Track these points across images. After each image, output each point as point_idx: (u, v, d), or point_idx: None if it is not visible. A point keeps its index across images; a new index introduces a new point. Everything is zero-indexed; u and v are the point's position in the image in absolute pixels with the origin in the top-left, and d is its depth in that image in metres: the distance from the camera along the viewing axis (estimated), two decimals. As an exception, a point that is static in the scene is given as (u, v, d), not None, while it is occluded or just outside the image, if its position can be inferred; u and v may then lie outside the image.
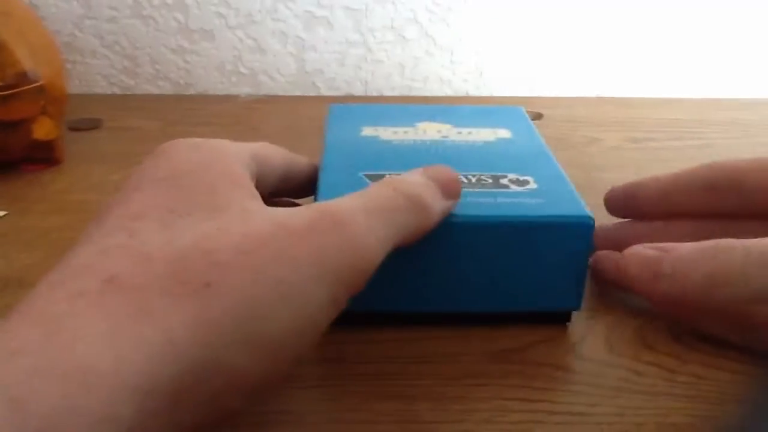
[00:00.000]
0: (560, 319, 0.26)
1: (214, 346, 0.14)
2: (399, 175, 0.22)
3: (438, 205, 0.21)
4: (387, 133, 0.30)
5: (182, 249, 0.15)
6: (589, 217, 0.24)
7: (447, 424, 0.21)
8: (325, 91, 0.58)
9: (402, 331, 0.25)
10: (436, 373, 0.23)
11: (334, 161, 0.27)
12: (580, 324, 0.26)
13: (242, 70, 0.57)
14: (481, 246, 0.24)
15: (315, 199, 0.25)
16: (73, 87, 0.56)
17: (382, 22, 0.56)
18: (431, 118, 0.32)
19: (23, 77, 0.37)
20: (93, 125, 0.48)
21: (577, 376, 0.23)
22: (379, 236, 0.18)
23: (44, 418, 0.12)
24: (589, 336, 0.25)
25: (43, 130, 0.39)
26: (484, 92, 0.59)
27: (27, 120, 0.38)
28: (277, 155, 0.24)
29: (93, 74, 0.57)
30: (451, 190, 0.22)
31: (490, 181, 0.25)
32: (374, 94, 0.58)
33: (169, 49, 0.56)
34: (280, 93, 0.58)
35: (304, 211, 0.18)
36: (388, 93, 0.58)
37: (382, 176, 0.25)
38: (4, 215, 0.35)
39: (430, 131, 0.31)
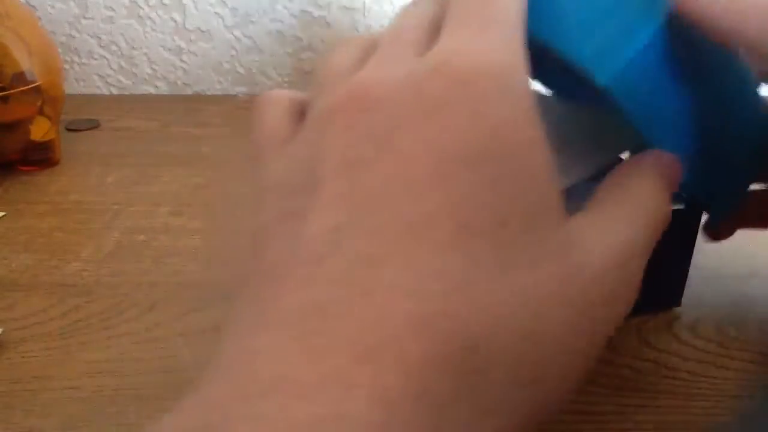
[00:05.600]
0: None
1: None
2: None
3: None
4: None
5: (522, 320, 0.12)
6: (701, 205, 0.22)
7: (448, 424, 0.21)
8: (322, 91, 0.58)
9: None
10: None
11: None
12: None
13: (239, 69, 0.57)
14: None
15: None
16: (71, 87, 0.56)
17: (380, 21, 0.56)
18: None
19: (20, 78, 0.37)
20: (90, 126, 0.48)
21: (578, 375, 0.23)
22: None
23: None
24: (589, 334, 0.25)
25: (40, 130, 0.39)
26: (482, 91, 0.59)
27: (24, 121, 0.38)
28: None
29: (90, 75, 0.57)
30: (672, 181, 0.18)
31: None
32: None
33: (166, 49, 0.56)
34: (278, 93, 0.58)
35: (613, 255, 0.15)
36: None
37: None
38: (2, 216, 0.35)
39: None
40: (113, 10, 0.54)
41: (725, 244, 0.32)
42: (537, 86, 0.32)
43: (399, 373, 0.11)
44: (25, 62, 0.37)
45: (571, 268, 0.13)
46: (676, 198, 0.25)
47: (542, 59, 0.17)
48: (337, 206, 0.13)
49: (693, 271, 0.27)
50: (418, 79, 0.14)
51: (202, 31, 0.55)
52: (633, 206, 0.16)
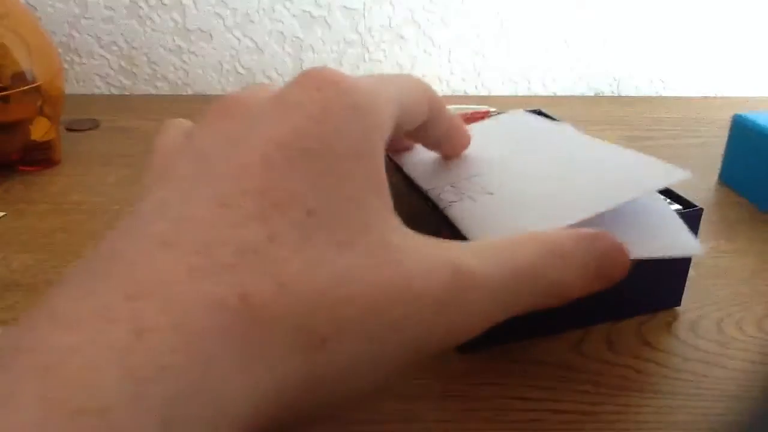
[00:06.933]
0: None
1: (313, 403, 0.14)
2: (555, 234, 0.18)
3: (582, 290, 0.18)
4: None
5: (314, 292, 0.14)
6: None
7: (449, 423, 0.21)
8: (322, 91, 0.58)
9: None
10: (437, 371, 0.23)
11: None
12: (580, 322, 0.26)
13: (240, 70, 0.57)
14: None
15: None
16: (71, 87, 0.56)
17: (380, 22, 0.56)
18: None
19: (20, 78, 0.37)
20: (90, 126, 0.48)
21: (579, 375, 0.23)
22: (507, 311, 0.16)
23: None
24: (590, 334, 0.25)
25: (40, 130, 0.39)
26: (482, 92, 0.59)
27: (24, 121, 0.38)
28: (419, 110, 0.20)
29: (90, 74, 0.57)
30: (610, 275, 0.18)
31: None
32: (372, 93, 0.58)
33: (166, 49, 0.56)
34: (278, 93, 0.58)
35: (441, 269, 0.15)
36: (386, 92, 0.58)
37: None
38: (2, 216, 0.35)
39: None
40: (113, 10, 0.54)
41: (725, 244, 0.32)
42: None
43: (160, 309, 0.12)
44: (25, 62, 0.37)
45: (374, 261, 0.15)
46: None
47: None
48: (174, 185, 0.15)
49: (693, 271, 0.27)
50: (282, 91, 0.16)
51: (203, 31, 0.55)
52: (505, 259, 0.17)
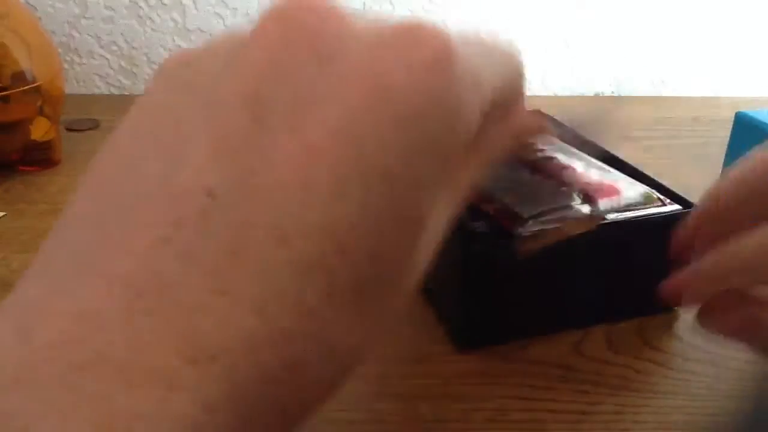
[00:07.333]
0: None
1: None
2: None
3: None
4: None
5: (349, 347, 0.12)
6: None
7: (449, 423, 0.21)
8: (322, 91, 0.58)
9: (401, 331, 0.25)
10: (436, 372, 0.23)
11: None
12: (580, 322, 0.26)
13: (240, 70, 0.57)
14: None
15: None
16: (71, 87, 0.56)
17: (379, 22, 0.56)
18: None
19: (20, 78, 0.37)
20: (91, 126, 0.47)
21: (578, 375, 0.23)
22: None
23: None
24: (590, 334, 0.25)
25: (40, 130, 0.39)
26: (482, 91, 0.59)
27: (24, 121, 0.38)
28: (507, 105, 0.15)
29: (90, 75, 0.57)
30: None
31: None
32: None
33: (166, 49, 0.56)
34: (278, 93, 0.58)
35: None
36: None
37: None
38: (2, 216, 0.35)
39: None
40: (113, 10, 0.54)
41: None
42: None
43: (223, 384, 0.10)
44: (25, 62, 0.37)
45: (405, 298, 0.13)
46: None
47: None
48: (222, 164, 0.11)
49: (693, 271, 0.27)
50: (391, 25, 0.11)
51: (202, 32, 0.55)
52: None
